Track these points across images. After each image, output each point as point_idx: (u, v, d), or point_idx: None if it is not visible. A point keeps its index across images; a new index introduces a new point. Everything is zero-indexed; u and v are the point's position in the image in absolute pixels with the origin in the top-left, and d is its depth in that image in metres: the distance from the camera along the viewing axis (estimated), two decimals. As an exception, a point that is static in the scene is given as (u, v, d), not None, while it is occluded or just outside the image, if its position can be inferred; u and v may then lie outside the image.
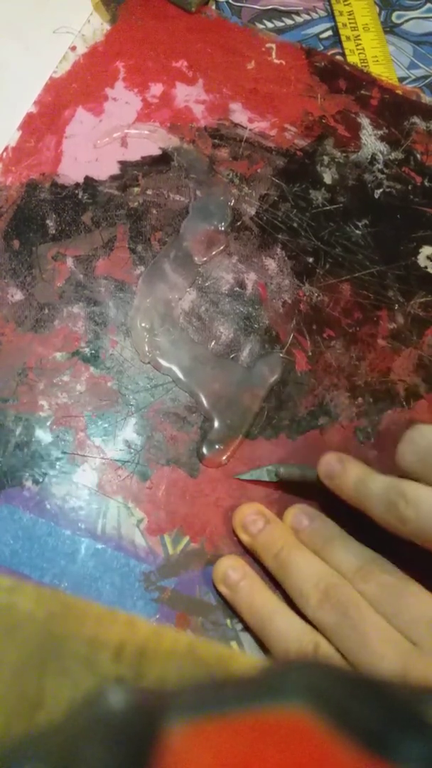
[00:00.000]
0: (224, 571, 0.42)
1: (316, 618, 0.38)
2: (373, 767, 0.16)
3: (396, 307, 0.49)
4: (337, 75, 0.56)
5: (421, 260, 0.50)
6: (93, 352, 0.47)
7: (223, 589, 0.42)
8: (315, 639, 0.37)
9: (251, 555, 0.43)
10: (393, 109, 0.55)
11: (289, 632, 0.38)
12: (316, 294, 0.49)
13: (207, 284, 0.49)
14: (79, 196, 0.51)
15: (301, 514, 0.43)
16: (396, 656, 0.35)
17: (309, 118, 0.54)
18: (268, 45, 0.56)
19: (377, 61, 0.56)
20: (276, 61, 0.56)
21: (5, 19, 0.56)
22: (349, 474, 0.40)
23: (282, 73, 0.55)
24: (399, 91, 0.55)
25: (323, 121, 0.54)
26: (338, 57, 0.57)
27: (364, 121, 0.54)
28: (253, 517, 0.43)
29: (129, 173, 0.52)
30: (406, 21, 0.59)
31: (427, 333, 0.49)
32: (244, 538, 0.43)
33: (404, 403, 0.47)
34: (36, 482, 0.44)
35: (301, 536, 0.42)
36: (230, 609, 0.42)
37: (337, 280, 0.49)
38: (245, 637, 0.42)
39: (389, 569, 0.39)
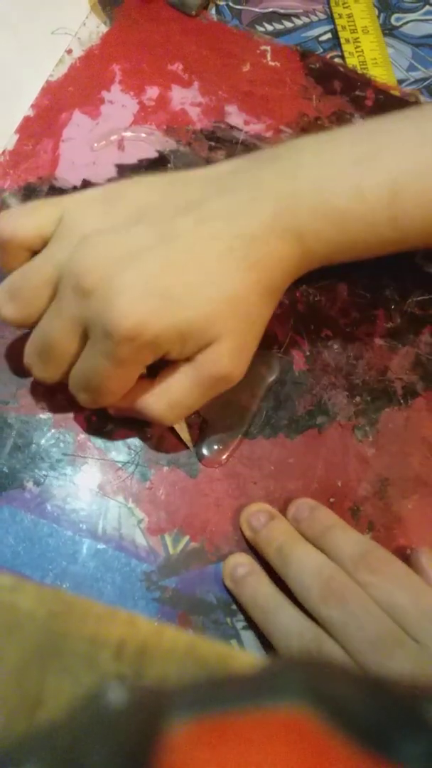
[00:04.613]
0: (233, 566, 0.42)
1: (320, 613, 0.38)
2: (373, 766, 0.16)
3: (392, 306, 0.49)
4: (332, 76, 0.56)
5: (418, 258, 0.51)
6: (92, 354, 0.47)
7: (229, 583, 0.42)
8: (318, 635, 0.37)
9: (256, 553, 0.43)
10: (388, 110, 0.54)
11: (291, 627, 0.38)
12: (312, 294, 0.49)
13: (205, 285, 0.49)
14: (77, 199, 0.51)
15: (303, 504, 0.44)
16: (404, 657, 0.35)
17: (304, 120, 0.54)
18: (263, 47, 0.56)
19: (376, 63, 0.56)
20: (271, 63, 0.56)
21: (2, 20, 0.56)
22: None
23: (277, 75, 0.56)
24: (394, 92, 0.55)
25: (318, 122, 0.54)
26: (337, 59, 0.57)
27: (359, 121, 0.54)
28: (258, 514, 0.43)
29: (126, 176, 0.52)
30: (405, 23, 0.59)
31: (424, 331, 0.49)
32: (248, 533, 0.43)
33: (402, 401, 0.47)
34: (37, 484, 0.44)
35: (302, 526, 0.42)
36: (231, 608, 0.42)
37: (333, 280, 0.49)
38: (245, 636, 0.42)
39: (391, 559, 0.40)
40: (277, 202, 0.39)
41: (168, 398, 0.40)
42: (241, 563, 0.42)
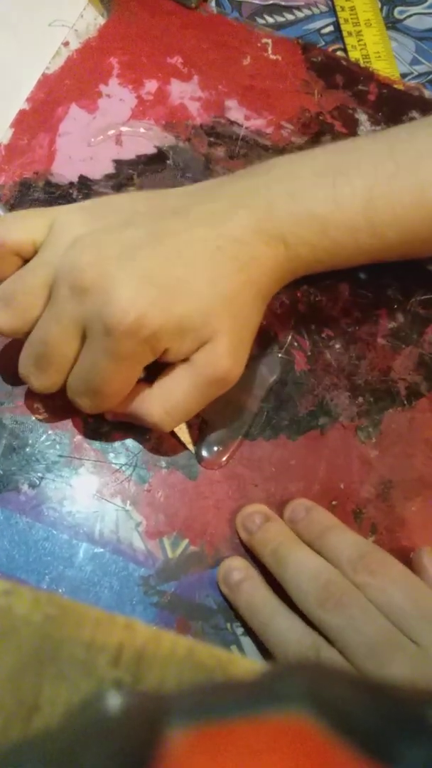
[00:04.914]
0: (227, 571, 0.42)
1: (318, 618, 0.38)
2: (373, 772, 0.16)
3: (395, 305, 0.49)
4: (334, 70, 0.55)
5: (420, 257, 0.50)
6: (89, 352, 0.47)
7: (224, 588, 0.42)
8: (315, 642, 0.37)
9: (253, 556, 0.43)
10: (391, 104, 0.54)
11: (289, 634, 0.38)
12: (314, 294, 0.49)
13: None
14: (74, 196, 0.50)
15: (299, 505, 0.43)
16: (404, 661, 0.35)
17: (306, 115, 0.54)
18: (264, 40, 0.56)
19: (379, 57, 0.56)
20: (272, 56, 0.55)
21: (-1, 12, 0.56)
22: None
23: (278, 69, 0.55)
24: (397, 86, 0.55)
25: (320, 117, 0.54)
26: (339, 53, 0.56)
27: (362, 116, 0.54)
28: (253, 516, 0.43)
29: (124, 172, 0.51)
30: (409, 17, 0.59)
31: (427, 331, 0.49)
32: (243, 535, 0.43)
33: (405, 401, 0.47)
34: (32, 486, 0.44)
35: (299, 527, 0.42)
36: (231, 612, 0.42)
37: (335, 280, 0.49)
38: (245, 641, 0.42)
39: (390, 561, 0.39)
40: (255, 210, 0.40)
41: (166, 403, 0.40)
42: (235, 567, 0.42)
